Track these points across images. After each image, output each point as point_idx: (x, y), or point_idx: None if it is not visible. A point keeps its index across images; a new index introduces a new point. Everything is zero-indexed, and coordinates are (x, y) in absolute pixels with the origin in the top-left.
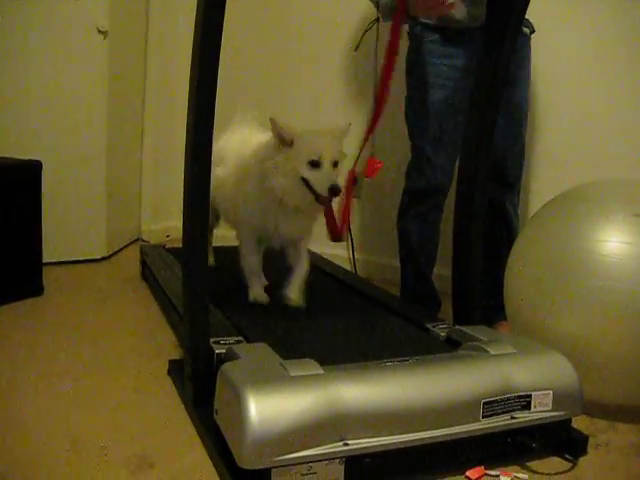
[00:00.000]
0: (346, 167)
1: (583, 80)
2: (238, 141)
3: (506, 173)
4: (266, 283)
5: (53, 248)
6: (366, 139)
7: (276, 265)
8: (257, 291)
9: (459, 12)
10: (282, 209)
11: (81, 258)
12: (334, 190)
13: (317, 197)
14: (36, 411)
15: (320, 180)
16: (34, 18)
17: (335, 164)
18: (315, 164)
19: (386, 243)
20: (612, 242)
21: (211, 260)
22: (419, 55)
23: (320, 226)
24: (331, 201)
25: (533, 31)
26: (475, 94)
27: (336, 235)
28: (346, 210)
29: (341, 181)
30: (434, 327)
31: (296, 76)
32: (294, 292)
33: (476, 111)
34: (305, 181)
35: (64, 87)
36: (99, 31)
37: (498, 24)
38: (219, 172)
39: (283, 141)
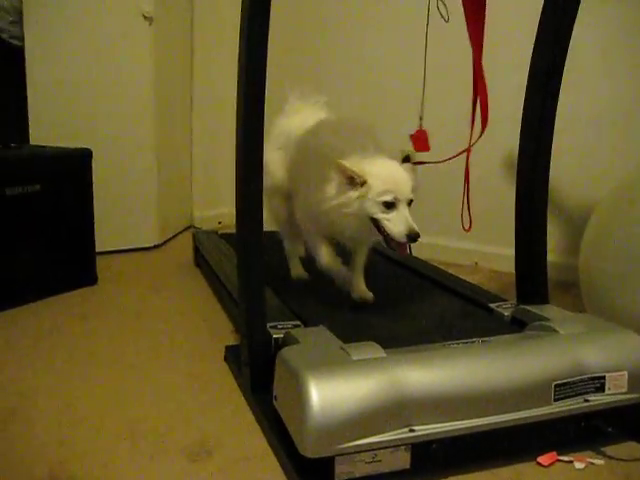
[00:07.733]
0: None
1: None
2: (300, 123)
3: None
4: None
5: (106, 237)
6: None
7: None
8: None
9: None
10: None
11: (134, 246)
12: (413, 237)
13: (388, 241)
14: (93, 399)
15: (397, 225)
16: (79, 5)
17: (410, 203)
18: (390, 205)
19: (442, 224)
20: None
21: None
22: None
23: None
24: (408, 248)
25: None
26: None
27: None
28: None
29: None
30: (498, 307)
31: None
32: (361, 286)
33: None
34: (375, 221)
35: (110, 75)
36: (144, 17)
37: (553, 22)
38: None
39: (353, 183)
